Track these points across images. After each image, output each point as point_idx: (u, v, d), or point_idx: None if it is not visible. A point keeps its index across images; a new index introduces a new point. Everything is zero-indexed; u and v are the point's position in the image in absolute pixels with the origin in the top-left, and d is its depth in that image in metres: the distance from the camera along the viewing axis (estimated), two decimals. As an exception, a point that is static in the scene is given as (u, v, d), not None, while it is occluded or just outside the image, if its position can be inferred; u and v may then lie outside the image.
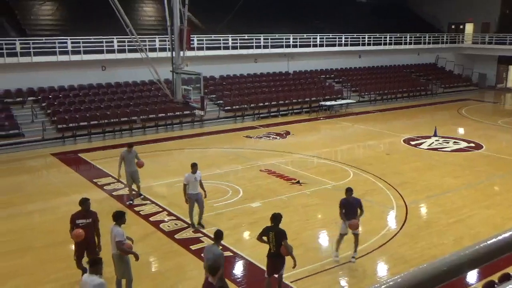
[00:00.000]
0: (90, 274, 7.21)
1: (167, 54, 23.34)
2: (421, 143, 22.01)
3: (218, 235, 8.28)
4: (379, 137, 23.72)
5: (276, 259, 8.79)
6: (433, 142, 22.18)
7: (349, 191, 10.68)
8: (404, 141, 22.55)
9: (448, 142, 22.13)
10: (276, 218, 8.91)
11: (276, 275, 8.92)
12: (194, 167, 12.25)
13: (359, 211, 10.62)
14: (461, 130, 25.98)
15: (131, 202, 14.32)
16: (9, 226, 12.96)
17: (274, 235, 8.73)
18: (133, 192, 14.62)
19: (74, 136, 22.49)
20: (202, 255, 8.40)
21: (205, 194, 12.52)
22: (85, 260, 9.35)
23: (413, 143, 22.13)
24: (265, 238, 8.91)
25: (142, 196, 14.74)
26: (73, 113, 23.25)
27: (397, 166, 18.33)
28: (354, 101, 31.78)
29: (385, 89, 34.19)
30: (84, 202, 9.67)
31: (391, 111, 31.07)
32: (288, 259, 8.75)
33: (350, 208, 10.57)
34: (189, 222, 12.64)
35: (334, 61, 35.42)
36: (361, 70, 36.94)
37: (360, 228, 10.62)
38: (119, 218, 9.00)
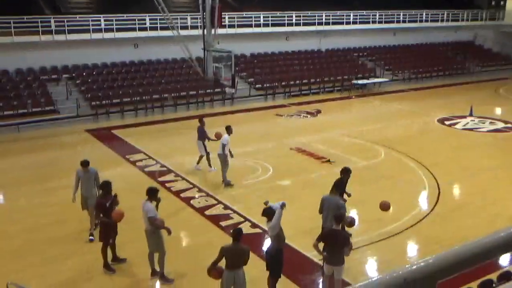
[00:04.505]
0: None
1: (199, 32, 23.38)
2: (456, 123, 21.51)
3: (338, 185, 9.43)
4: (413, 116, 23.29)
5: None
6: (468, 122, 21.64)
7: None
8: (439, 120, 22.07)
9: (484, 122, 21.56)
10: (342, 170, 10.44)
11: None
12: (230, 129, 13.84)
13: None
14: (498, 110, 25.23)
15: (92, 238, 10.73)
16: (47, 199, 13.38)
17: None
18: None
19: (107, 113, 22.88)
20: (323, 203, 9.34)
21: (231, 154, 14.05)
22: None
23: (447, 123, 21.65)
24: None
25: (92, 237, 10.68)
26: (106, 90, 23.62)
27: (431, 146, 18.00)
28: (388, 80, 31.18)
29: (419, 68, 33.39)
30: (107, 185, 9.67)
31: (426, 90, 30.38)
32: None
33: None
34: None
35: (367, 39, 34.70)
36: (395, 48, 36.10)
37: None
38: (152, 194, 9.13)
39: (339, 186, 10.01)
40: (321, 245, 8.15)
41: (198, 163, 15.30)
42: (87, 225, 10.94)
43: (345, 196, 10.37)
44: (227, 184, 13.80)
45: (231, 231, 8.17)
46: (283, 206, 8.54)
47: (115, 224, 9.55)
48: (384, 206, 9.80)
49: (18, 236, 11.13)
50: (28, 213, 12.47)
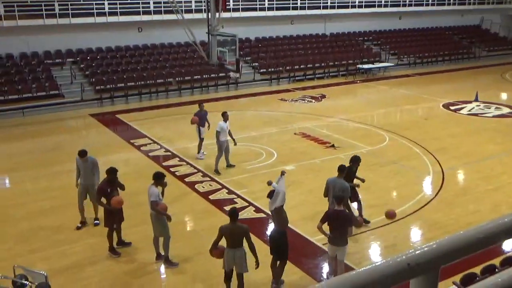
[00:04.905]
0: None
1: (203, 15, 23.21)
2: (461, 108, 21.40)
3: (343, 169, 9.56)
4: (417, 101, 23.18)
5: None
6: (473, 107, 21.52)
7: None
8: (444, 106, 21.96)
9: (489, 108, 21.44)
10: (352, 159, 10.47)
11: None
12: (225, 115, 13.67)
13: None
14: (504, 95, 25.06)
15: (79, 225, 10.83)
16: (52, 183, 13.47)
17: None
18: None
19: (111, 97, 22.89)
20: (328, 186, 9.58)
21: (235, 142, 13.96)
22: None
23: (452, 108, 21.55)
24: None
25: (97, 221, 10.90)
26: (111, 74, 23.59)
27: (435, 131, 17.95)
28: (393, 64, 30.98)
29: (425, 52, 33.13)
30: (113, 172, 9.65)
31: (431, 75, 30.18)
32: None
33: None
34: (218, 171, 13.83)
35: (373, 23, 34.40)
36: (401, 32, 35.81)
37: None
38: (158, 178, 9.17)
39: (347, 173, 9.92)
40: (326, 228, 8.24)
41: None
42: (91, 209, 10.99)
43: (357, 181, 10.35)
44: (216, 170, 13.74)
45: (228, 211, 8.28)
46: (283, 173, 8.82)
47: (120, 210, 9.62)
48: (391, 215, 9.80)
49: (23, 220, 11.22)
50: (33, 197, 12.57)
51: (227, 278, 8.06)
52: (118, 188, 9.72)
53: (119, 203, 9.33)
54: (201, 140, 14.95)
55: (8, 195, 13.01)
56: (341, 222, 8.12)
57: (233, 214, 7.92)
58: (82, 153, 10.68)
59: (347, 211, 8.70)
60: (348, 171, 10.06)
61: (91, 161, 10.73)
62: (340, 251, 8.22)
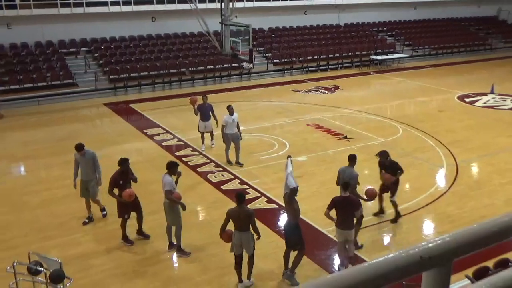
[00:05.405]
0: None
1: (216, 5, 23.17)
2: (476, 101, 21.15)
3: (353, 158, 9.55)
4: (432, 93, 22.94)
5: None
6: (489, 100, 21.25)
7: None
8: (458, 98, 21.73)
9: (505, 100, 21.15)
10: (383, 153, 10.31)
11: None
12: (229, 109, 13.36)
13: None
14: (520, 88, 24.69)
15: (86, 221, 10.57)
16: (65, 172, 13.51)
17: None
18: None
19: (125, 87, 23.00)
20: (339, 174, 9.62)
21: (240, 136, 13.57)
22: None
23: (467, 100, 21.30)
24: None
25: (104, 212, 10.82)
26: (124, 64, 23.67)
27: (450, 123, 17.78)
28: (407, 56, 30.67)
29: (440, 43, 32.72)
30: (125, 162, 9.68)
31: (446, 66, 29.83)
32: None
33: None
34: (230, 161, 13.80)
35: (387, 13, 34.05)
36: (416, 23, 35.39)
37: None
38: (171, 167, 9.23)
39: (381, 164, 10.29)
40: (333, 214, 8.44)
41: (211, 139, 15.28)
42: (105, 197, 11.05)
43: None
44: (228, 161, 13.73)
45: (235, 195, 8.37)
46: (288, 157, 9.26)
47: (136, 199, 9.70)
48: (372, 195, 9.71)
49: (38, 208, 11.38)
50: (48, 185, 12.73)
51: (238, 265, 8.14)
52: (131, 181, 9.78)
53: (130, 196, 9.41)
54: (202, 134, 14.83)
55: (23, 183, 13.17)
56: (347, 208, 8.37)
57: (240, 197, 8.07)
58: (79, 147, 10.19)
59: (354, 197, 8.83)
60: (380, 163, 10.31)
61: (89, 155, 10.31)
62: (349, 234, 8.46)
